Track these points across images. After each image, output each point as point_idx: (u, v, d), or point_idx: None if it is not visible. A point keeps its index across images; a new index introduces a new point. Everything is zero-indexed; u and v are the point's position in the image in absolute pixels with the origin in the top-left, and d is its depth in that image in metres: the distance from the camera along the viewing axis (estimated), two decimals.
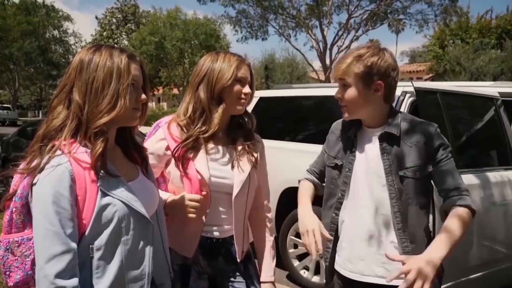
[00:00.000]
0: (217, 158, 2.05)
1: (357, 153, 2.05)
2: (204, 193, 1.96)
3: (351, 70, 1.94)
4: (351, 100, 1.98)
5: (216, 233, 2.08)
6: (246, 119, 2.14)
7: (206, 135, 2.00)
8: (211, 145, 2.05)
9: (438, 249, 1.76)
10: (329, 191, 2.15)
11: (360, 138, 2.07)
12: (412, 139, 1.97)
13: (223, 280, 2.12)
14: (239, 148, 2.09)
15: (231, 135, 2.12)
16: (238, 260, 2.10)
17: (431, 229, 2.14)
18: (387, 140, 1.98)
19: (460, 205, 1.91)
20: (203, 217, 2.00)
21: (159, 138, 2.05)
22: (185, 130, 2.01)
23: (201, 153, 2.00)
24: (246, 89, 2.03)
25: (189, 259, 2.04)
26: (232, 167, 2.06)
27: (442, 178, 1.98)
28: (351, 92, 1.96)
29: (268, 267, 2.20)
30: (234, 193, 2.04)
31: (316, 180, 2.28)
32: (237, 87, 2.01)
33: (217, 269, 2.10)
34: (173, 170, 2.03)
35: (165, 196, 1.99)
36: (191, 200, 1.92)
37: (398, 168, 1.95)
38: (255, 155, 2.12)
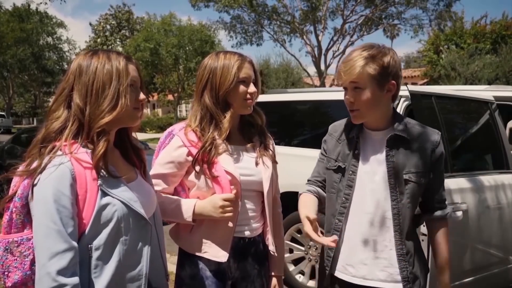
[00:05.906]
0: (239, 157, 2.05)
1: (360, 155, 2.00)
2: (234, 191, 1.94)
3: (366, 72, 1.85)
4: (365, 103, 1.89)
5: (247, 232, 2.07)
6: (255, 117, 2.13)
7: (220, 139, 1.99)
8: (230, 146, 2.03)
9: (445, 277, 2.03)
10: (329, 196, 2.09)
11: (362, 140, 2.02)
12: (419, 144, 1.96)
13: (246, 285, 2.12)
14: (258, 145, 2.11)
15: (246, 133, 2.13)
16: (273, 253, 2.12)
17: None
18: (395, 142, 1.95)
19: (441, 217, 2.05)
20: (236, 217, 1.98)
21: (177, 145, 2.01)
22: (201, 137, 1.99)
23: (224, 154, 1.98)
24: (251, 89, 2.01)
25: (223, 263, 2.02)
26: (256, 164, 2.07)
27: (433, 188, 2.01)
28: (365, 94, 1.88)
29: (280, 262, 2.24)
30: (265, 188, 2.05)
31: (320, 190, 2.15)
32: (241, 88, 1.98)
33: (244, 271, 2.10)
34: (196, 177, 2.00)
35: (191, 202, 1.98)
36: (225, 199, 1.91)
37: (402, 171, 1.93)
38: (273, 150, 2.16)
